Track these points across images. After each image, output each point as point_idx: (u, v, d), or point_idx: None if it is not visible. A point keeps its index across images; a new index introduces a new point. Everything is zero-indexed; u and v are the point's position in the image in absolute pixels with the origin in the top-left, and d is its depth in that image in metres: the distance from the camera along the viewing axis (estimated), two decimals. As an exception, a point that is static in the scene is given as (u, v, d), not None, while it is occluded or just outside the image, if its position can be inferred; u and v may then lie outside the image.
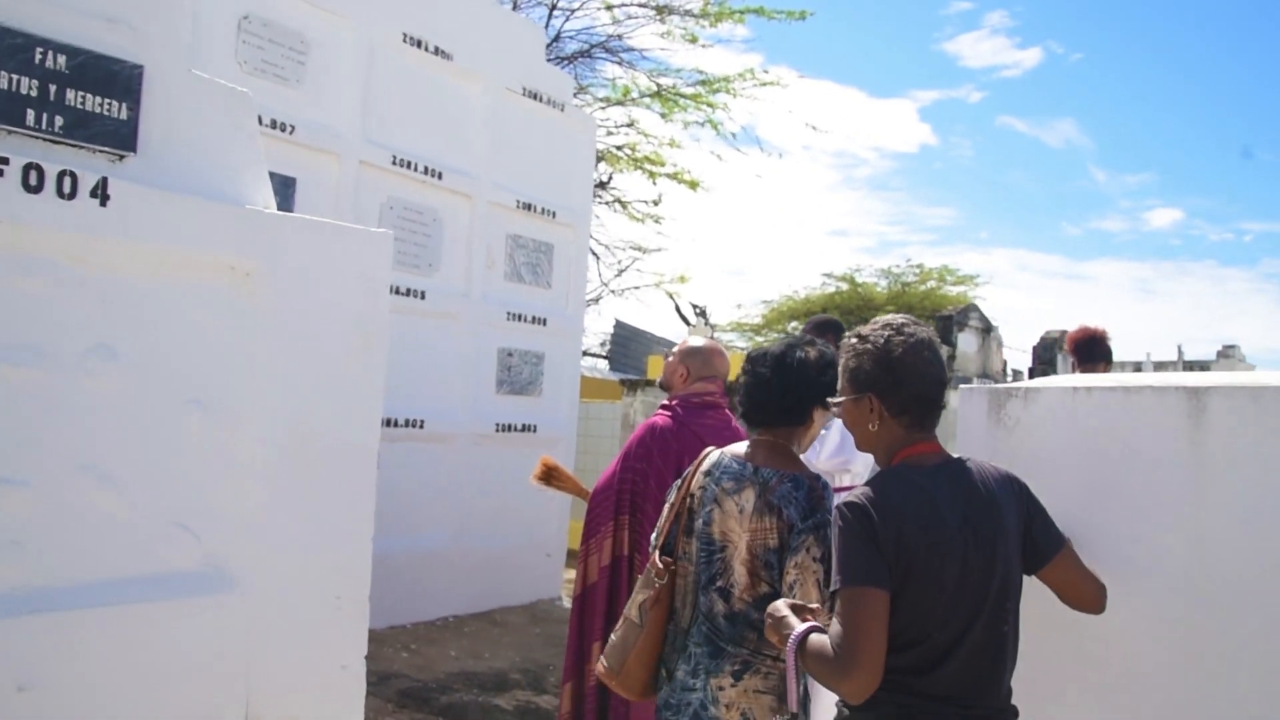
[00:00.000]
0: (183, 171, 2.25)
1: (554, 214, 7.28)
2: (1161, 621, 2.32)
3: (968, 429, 2.73)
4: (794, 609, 2.02)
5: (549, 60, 12.27)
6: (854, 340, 2.08)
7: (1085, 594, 2.05)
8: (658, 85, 14.54)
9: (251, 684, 2.21)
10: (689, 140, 19.39)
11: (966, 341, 10.37)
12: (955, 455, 2.04)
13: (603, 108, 14.92)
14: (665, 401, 3.79)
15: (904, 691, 1.87)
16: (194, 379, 2.19)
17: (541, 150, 7.23)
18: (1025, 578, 2.06)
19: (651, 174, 15.29)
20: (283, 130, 5.50)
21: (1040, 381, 2.76)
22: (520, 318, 7.02)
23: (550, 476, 4.10)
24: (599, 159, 14.86)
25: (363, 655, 2.40)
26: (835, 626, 1.82)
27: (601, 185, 15.14)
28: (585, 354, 18.01)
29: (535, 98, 7.11)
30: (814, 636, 1.89)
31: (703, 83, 14.29)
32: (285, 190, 5.56)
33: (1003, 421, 2.66)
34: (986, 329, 11.08)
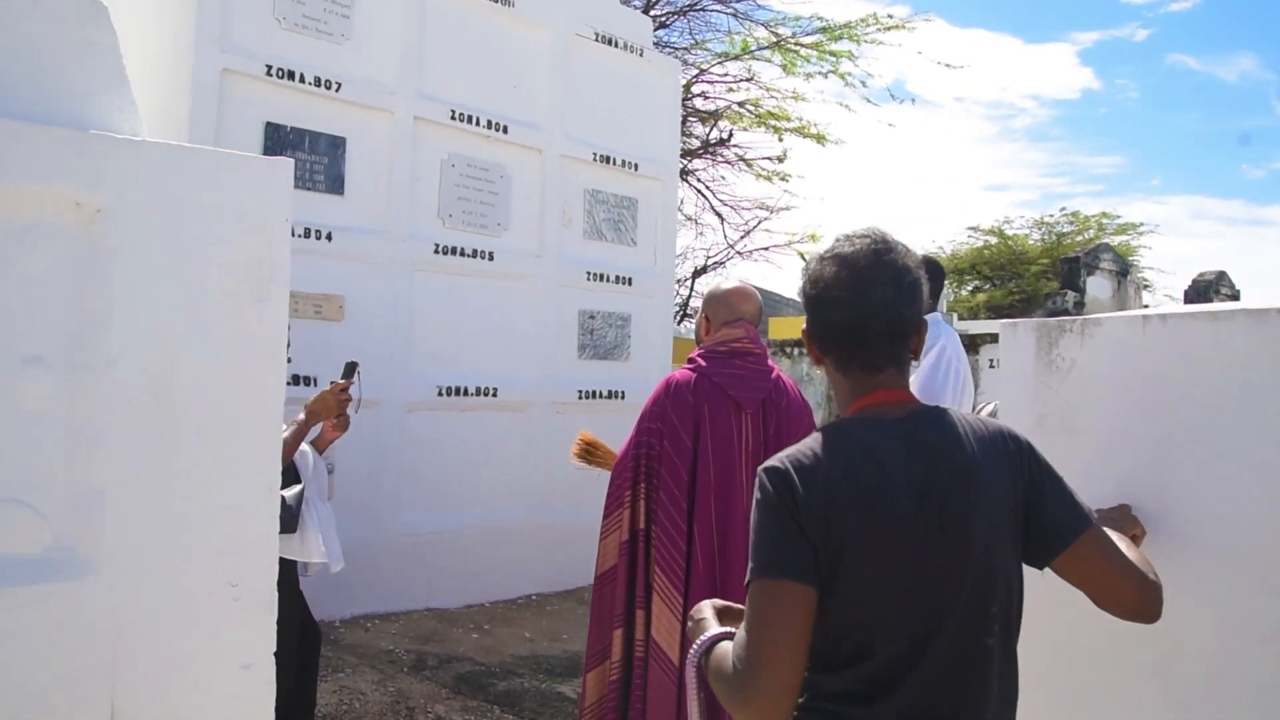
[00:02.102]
0: (20, 95, 1.92)
1: (636, 166, 6.83)
2: (1263, 626, 1.75)
3: (1012, 373, 2.19)
4: (721, 612, 1.56)
5: (654, 14, 11.83)
6: None
7: (1124, 594, 1.46)
8: (776, 36, 13.86)
9: (118, 684, 1.89)
10: (817, 94, 18.61)
11: (1098, 286, 9.31)
12: (936, 405, 1.52)
13: (720, 62, 14.36)
14: (690, 355, 3.35)
15: None
16: (33, 333, 1.86)
17: (620, 99, 6.79)
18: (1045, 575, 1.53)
19: (776, 129, 14.66)
20: (328, 88, 5.23)
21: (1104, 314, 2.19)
22: (602, 278, 6.62)
23: (590, 453, 3.73)
24: (718, 116, 14.33)
25: (270, 652, 2.05)
26: (739, 632, 1.36)
27: (723, 143, 14.60)
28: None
29: (610, 43, 6.66)
30: (722, 645, 1.43)
31: (823, 30, 13.52)
32: (335, 150, 5.33)
33: (1054, 363, 2.11)
34: (1123, 271, 9.95)
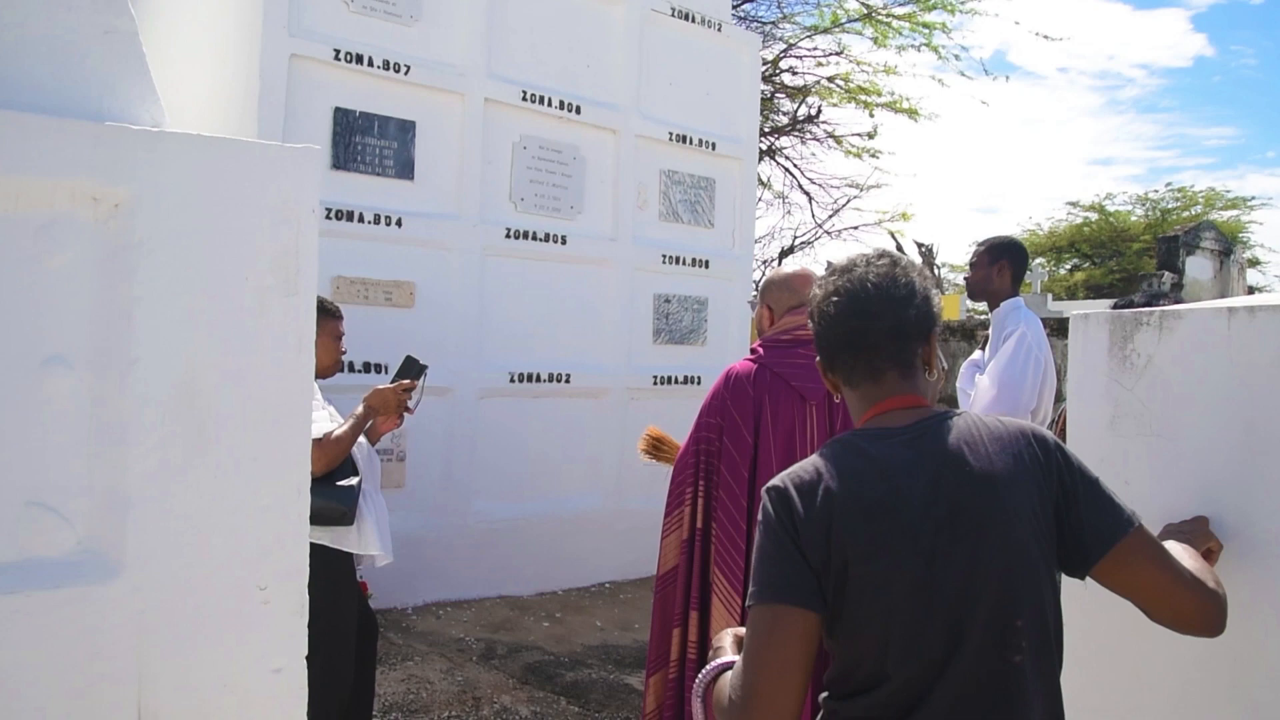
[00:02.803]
0: (36, 86, 1.88)
1: (714, 145, 6.67)
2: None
3: (1083, 370, 2.02)
4: (740, 640, 1.47)
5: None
6: None
7: (1178, 602, 1.34)
8: (867, 7, 13.48)
9: (145, 689, 1.85)
10: (910, 68, 18.07)
11: (1198, 267, 8.77)
12: (949, 410, 1.41)
13: (809, 36, 14.04)
14: (752, 346, 3.22)
15: None
16: (53, 333, 1.82)
17: (697, 76, 6.63)
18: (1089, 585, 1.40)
19: (867, 105, 14.31)
20: (397, 71, 5.20)
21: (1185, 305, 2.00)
22: (678, 260, 6.49)
23: (658, 448, 3.63)
24: (807, 91, 14.02)
25: (302, 655, 2.00)
26: (737, 662, 1.30)
27: (811, 119, 14.27)
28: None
29: (687, 18, 6.50)
30: (725, 675, 1.35)
31: None
32: (404, 135, 5.30)
33: (1129, 359, 1.93)
34: (1225, 251, 9.36)
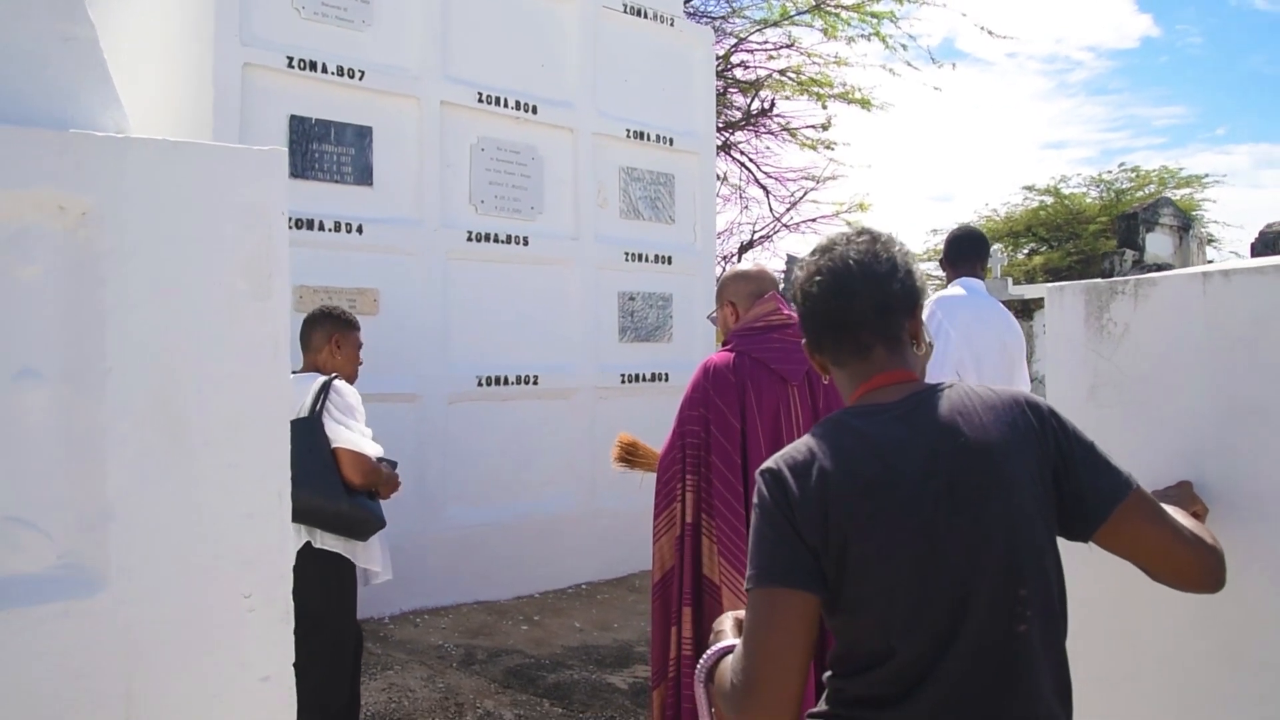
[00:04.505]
0: (-9, 95, 1.84)
1: (671, 141, 6.68)
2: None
3: (1060, 341, 2.04)
4: (741, 623, 1.47)
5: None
6: None
7: (1180, 560, 1.36)
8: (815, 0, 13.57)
9: (133, 703, 1.82)
10: (861, 58, 18.19)
11: (1158, 243, 8.94)
12: (943, 383, 1.41)
13: (759, 30, 14.09)
14: (725, 339, 3.23)
15: None
16: (24, 347, 1.79)
17: (652, 72, 6.64)
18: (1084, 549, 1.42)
19: (819, 96, 14.40)
20: (351, 77, 5.15)
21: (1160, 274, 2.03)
22: (641, 257, 6.49)
23: (632, 455, 3.61)
24: (759, 85, 14.08)
25: (289, 663, 1.97)
26: (738, 646, 1.30)
27: (765, 113, 14.33)
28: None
29: (639, 14, 6.51)
30: (726, 660, 1.35)
31: (863, -11, 13.21)
32: (361, 141, 5.25)
33: (1106, 328, 1.95)
34: (1184, 226, 9.55)
